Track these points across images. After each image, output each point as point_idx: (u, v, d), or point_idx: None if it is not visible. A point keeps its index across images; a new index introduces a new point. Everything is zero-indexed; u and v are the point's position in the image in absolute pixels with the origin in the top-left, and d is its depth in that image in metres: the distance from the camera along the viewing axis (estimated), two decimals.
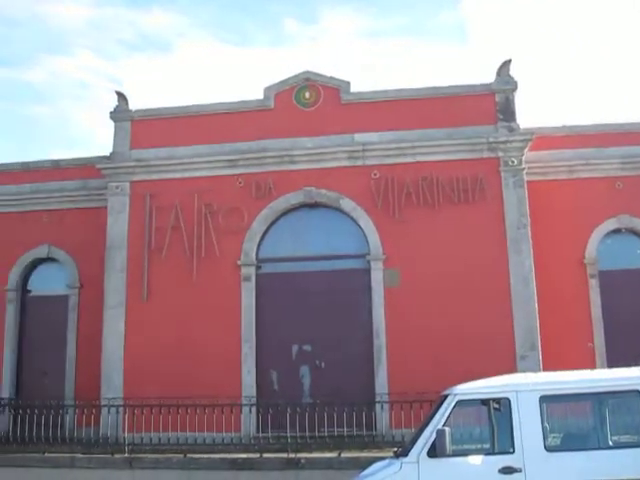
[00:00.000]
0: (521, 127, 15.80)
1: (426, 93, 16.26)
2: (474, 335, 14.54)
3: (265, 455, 12.93)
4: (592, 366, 14.98)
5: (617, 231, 16.88)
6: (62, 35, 47.96)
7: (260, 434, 14.43)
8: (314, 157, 16.07)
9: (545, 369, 13.68)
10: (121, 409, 14.21)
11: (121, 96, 17.29)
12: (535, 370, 13.71)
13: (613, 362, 14.59)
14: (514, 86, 16.10)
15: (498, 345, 14.53)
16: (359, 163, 15.92)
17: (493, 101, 16.08)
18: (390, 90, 16.46)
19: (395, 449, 9.68)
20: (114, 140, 17.07)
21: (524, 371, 13.40)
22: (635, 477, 8.32)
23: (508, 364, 13.59)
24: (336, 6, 47.07)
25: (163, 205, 16.36)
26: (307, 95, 16.57)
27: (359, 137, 15.98)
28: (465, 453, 8.70)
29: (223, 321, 15.64)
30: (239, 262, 15.95)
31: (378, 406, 14.01)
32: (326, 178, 15.89)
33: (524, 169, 15.51)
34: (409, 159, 15.74)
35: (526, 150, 15.59)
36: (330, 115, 16.29)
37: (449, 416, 8.69)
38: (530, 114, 31.86)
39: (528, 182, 15.64)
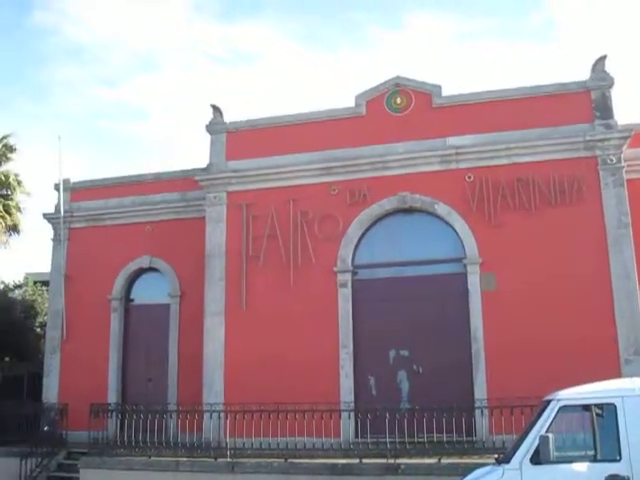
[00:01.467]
0: (619, 124, 15.35)
1: (519, 93, 16.00)
2: (575, 339, 14.16)
3: (364, 461, 12.99)
4: None
5: None
6: (155, 54, 49.53)
7: (359, 439, 14.51)
8: (407, 162, 16.05)
9: None
10: (222, 414, 14.51)
11: (216, 109, 17.75)
12: None
13: None
14: (610, 82, 15.65)
15: (601, 349, 14.10)
16: (452, 167, 15.82)
17: (589, 98, 15.67)
18: (482, 92, 16.27)
19: (496, 455, 9.59)
20: (210, 152, 17.54)
21: (629, 376, 12.92)
22: None
23: (612, 369, 13.21)
24: (419, 11, 46.90)
25: (259, 214, 16.69)
26: (398, 100, 16.58)
27: (452, 140, 15.88)
28: (569, 460, 8.54)
29: (320, 327, 15.80)
30: (335, 269, 16.09)
31: (477, 411, 13.83)
32: (420, 183, 15.85)
33: (623, 167, 15.04)
34: (504, 161, 15.52)
35: (625, 147, 15.13)
36: (422, 120, 16.25)
37: (552, 422, 8.57)
38: (627, 110, 30.91)
39: (628, 180, 15.16)
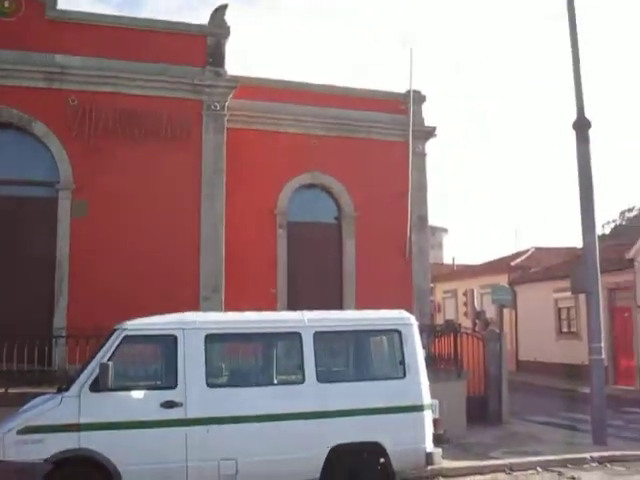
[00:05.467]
0: (228, 73, 15.91)
1: (137, 24, 15.71)
2: (161, 273, 14.54)
3: None
4: (273, 310, 15.73)
5: (309, 186, 17.89)
6: None
7: None
8: (7, 73, 14.64)
9: (227, 311, 14.07)
10: None
11: None
12: (218, 311, 14.08)
13: (293, 307, 15.47)
14: (226, 32, 16.15)
15: (184, 285, 14.71)
16: (56, 86, 14.88)
17: (204, 44, 16.00)
18: (100, 14, 15.82)
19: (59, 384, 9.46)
20: None
21: (208, 311, 13.73)
22: (293, 411, 8.99)
23: (192, 304, 13.75)
24: None
25: None
26: (6, 4, 15.08)
27: (60, 58, 14.93)
28: (129, 388, 8.78)
29: None
30: None
31: (55, 341, 13.50)
32: (19, 97, 14.63)
33: (226, 115, 15.71)
34: (111, 89, 15.05)
35: (230, 97, 15.77)
36: (30, 30, 14.93)
37: (115, 351, 8.69)
38: (240, 64, 32.68)
39: (231, 129, 15.91)
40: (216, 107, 15.53)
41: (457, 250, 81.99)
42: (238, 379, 9.58)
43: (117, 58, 15.18)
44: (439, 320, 32.09)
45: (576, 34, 15.15)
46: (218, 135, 15.46)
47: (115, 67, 15.12)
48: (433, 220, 32.40)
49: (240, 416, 8.76)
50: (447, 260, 50.04)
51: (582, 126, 15.13)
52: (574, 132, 15.18)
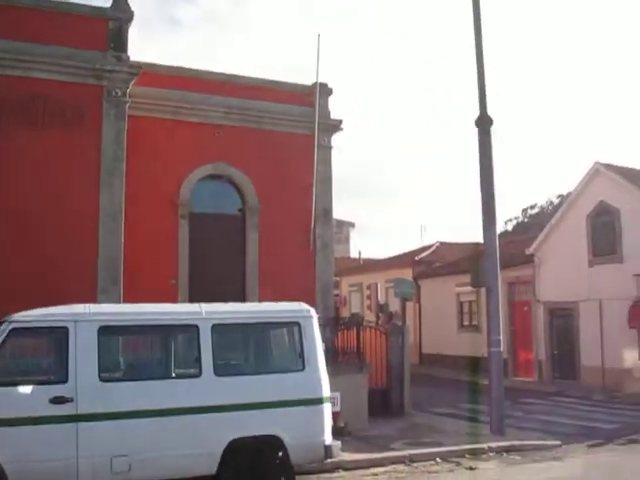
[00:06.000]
0: (131, 59, 15.42)
1: (33, 4, 14.86)
2: (56, 266, 13.87)
3: None
4: (175, 302, 15.36)
5: (213, 177, 17.59)
6: None
7: None
8: None
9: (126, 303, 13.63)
10: None
11: None
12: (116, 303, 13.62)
13: (195, 300, 15.15)
14: (130, 16, 15.63)
15: (81, 277, 14.10)
16: None
17: (106, 27, 15.42)
18: None
19: None
20: None
21: (106, 303, 13.26)
22: (189, 405, 8.77)
23: (89, 297, 13.21)
24: None
25: None
26: None
27: None
28: (17, 383, 8.37)
29: None
30: None
31: None
32: None
33: (127, 102, 15.19)
34: (4, 72, 14.30)
35: (132, 83, 15.28)
36: None
37: (2, 344, 8.28)
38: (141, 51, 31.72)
39: (132, 117, 15.39)
40: (117, 93, 15.01)
41: (364, 244, 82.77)
42: (133, 373, 9.30)
43: (11, 39, 14.37)
44: (345, 313, 32.23)
45: (480, 34, 15.45)
46: (119, 122, 14.92)
47: (9, 49, 14.28)
48: (340, 214, 32.58)
49: (134, 411, 8.49)
50: (354, 254, 50.36)
51: (484, 123, 15.44)
52: (476, 129, 15.48)
